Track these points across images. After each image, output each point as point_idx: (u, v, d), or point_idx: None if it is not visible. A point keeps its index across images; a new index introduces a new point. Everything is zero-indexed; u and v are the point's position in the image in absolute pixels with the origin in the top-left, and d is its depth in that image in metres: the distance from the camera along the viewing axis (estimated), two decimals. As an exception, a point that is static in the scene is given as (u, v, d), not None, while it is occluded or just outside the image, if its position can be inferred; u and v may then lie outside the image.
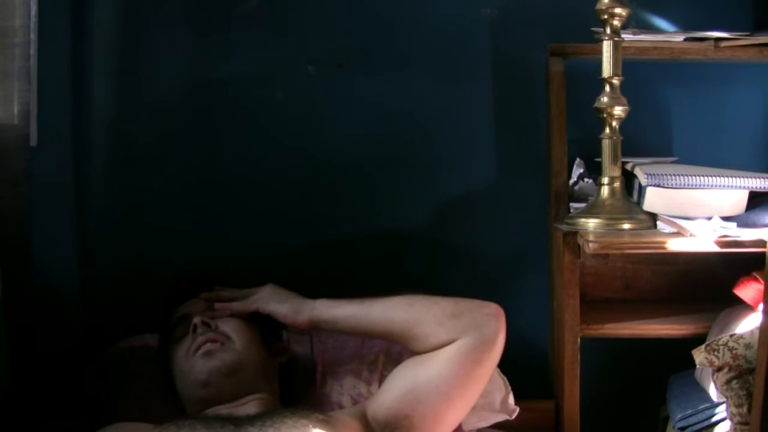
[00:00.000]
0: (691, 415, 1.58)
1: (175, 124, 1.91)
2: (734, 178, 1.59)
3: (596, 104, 1.65)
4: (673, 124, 1.92)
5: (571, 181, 1.79)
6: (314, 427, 1.35)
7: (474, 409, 1.61)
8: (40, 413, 1.54)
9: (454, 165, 1.91)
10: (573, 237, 1.65)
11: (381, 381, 1.58)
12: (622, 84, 1.64)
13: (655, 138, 1.90)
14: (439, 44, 1.90)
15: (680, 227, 1.54)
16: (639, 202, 1.66)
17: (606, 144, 1.64)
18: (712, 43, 1.74)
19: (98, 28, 1.87)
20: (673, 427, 1.61)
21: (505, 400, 1.63)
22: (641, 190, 1.65)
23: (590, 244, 1.53)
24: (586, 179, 1.78)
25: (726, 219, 1.56)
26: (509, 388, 1.64)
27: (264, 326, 1.57)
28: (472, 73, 1.90)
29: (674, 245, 1.52)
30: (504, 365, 1.67)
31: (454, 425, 1.52)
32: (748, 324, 1.54)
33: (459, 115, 1.91)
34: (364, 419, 1.46)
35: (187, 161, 1.91)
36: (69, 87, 1.84)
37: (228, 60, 1.90)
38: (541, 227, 1.85)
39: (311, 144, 1.91)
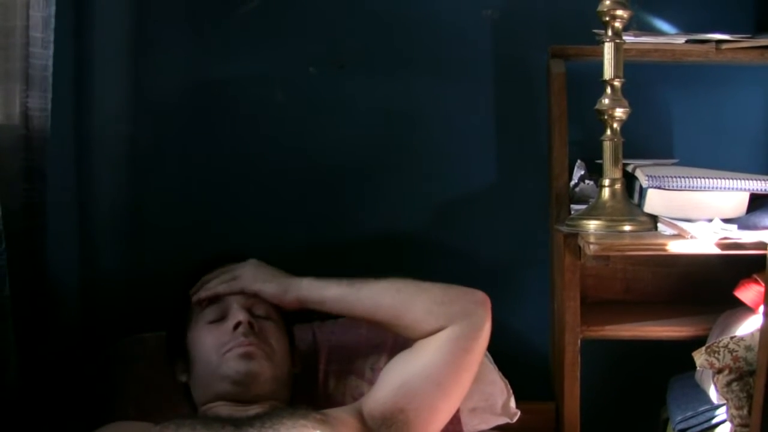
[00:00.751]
0: (691, 417, 1.58)
1: (175, 125, 1.91)
2: (735, 180, 1.59)
3: (597, 106, 1.65)
4: (674, 126, 1.92)
5: (572, 183, 1.79)
6: (313, 427, 1.35)
7: (475, 411, 1.61)
8: (40, 413, 1.54)
9: (455, 166, 1.91)
10: (574, 239, 1.65)
11: None
12: (623, 86, 1.64)
13: (656, 140, 1.90)
14: (440, 46, 1.90)
15: (681, 229, 1.54)
16: (640, 204, 1.66)
17: (607, 146, 1.64)
18: (713, 45, 1.74)
19: (100, 29, 1.87)
20: (674, 429, 1.61)
21: (506, 404, 1.63)
22: (642, 192, 1.65)
23: (591, 246, 1.53)
24: (587, 181, 1.78)
25: (727, 221, 1.56)
26: (511, 391, 1.64)
27: (291, 334, 1.58)
28: (473, 74, 1.91)
29: (675, 247, 1.52)
30: (504, 366, 1.68)
31: (449, 416, 1.52)
32: (748, 326, 1.54)
33: (460, 116, 1.91)
34: (360, 416, 1.47)
35: (187, 162, 1.91)
36: (71, 87, 1.84)
37: (229, 61, 1.90)
38: (541, 229, 1.85)
39: (311, 144, 1.91)
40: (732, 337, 1.50)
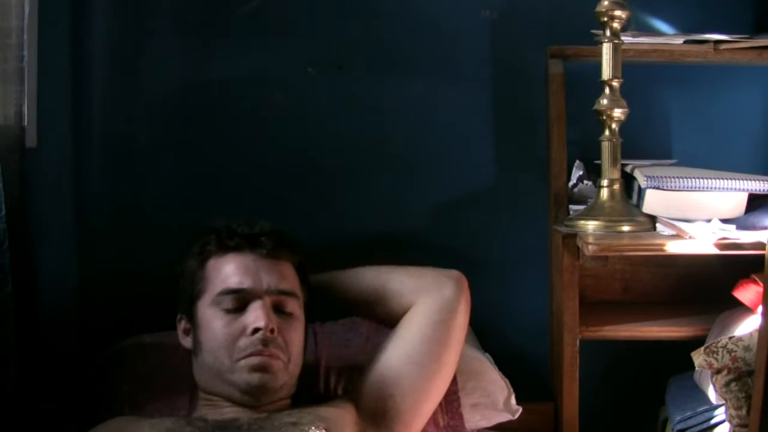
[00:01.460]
0: (690, 417, 1.58)
1: (174, 125, 1.91)
2: (733, 181, 1.59)
3: (596, 106, 1.65)
4: (673, 127, 1.92)
5: (571, 183, 1.79)
6: None
7: (477, 407, 1.62)
8: (38, 412, 1.54)
9: (453, 167, 1.91)
10: (572, 239, 1.65)
11: None
12: (621, 86, 1.64)
13: (655, 140, 1.90)
14: (438, 46, 1.90)
15: (679, 229, 1.54)
16: (638, 205, 1.66)
17: (605, 146, 1.65)
18: (711, 45, 1.74)
19: (98, 29, 1.87)
20: (672, 429, 1.61)
21: (507, 401, 1.63)
22: (640, 193, 1.65)
23: (589, 246, 1.53)
24: (585, 181, 1.78)
25: (725, 221, 1.57)
26: (511, 389, 1.64)
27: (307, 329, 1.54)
28: (472, 75, 1.91)
29: (673, 247, 1.52)
30: (503, 367, 1.68)
31: (438, 395, 1.53)
32: (747, 326, 1.54)
33: (459, 117, 1.91)
34: (354, 412, 1.47)
35: (186, 162, 1.91)
36: (69, 88, 1.84)
37: (227, 61, 1.90)
38: (540, 229, 1.85)
39: (310, 144, 1.91)
40: (731, 338, 1.50)
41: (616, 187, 1.65)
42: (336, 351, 1.65)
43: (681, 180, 1.59)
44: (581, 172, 1.80)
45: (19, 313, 1.42)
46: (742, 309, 1.61)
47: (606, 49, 1.63)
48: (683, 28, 1.84)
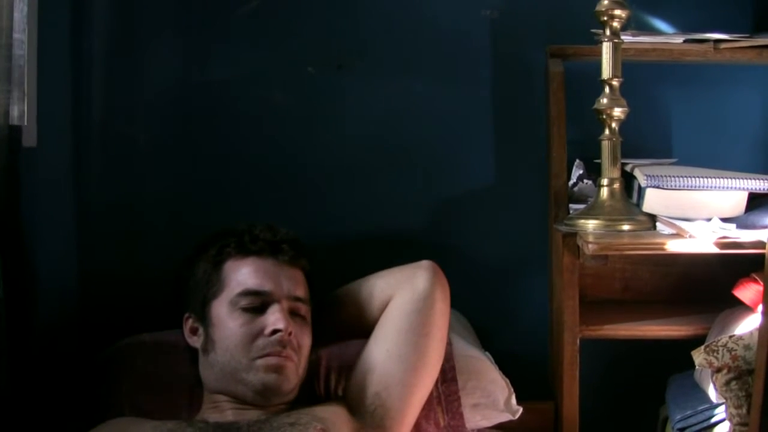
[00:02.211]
0: (690, 416, 1.58)
1: (174, 125, 1.91)
2: (733, 180, 1.59)
3: (596, 106, 1.65)
4: (673, 126, 1.92)
5: (571, 183, 1.79)
6: None
7: (477, 407, 1.62)
8: (37, 414, 1.54)
9: (453, 166, 1.91)
10: (572, 238, 1.65)
11: None
12: (621, 85, 1.64)
13: (655, 139, 1.90)
14: (438, 45, 1.90)
15: (679, 228, 1.54)
16: (638, 204, 1.66)
17: (605, 145, 1.65)
18: (711, 44, 1.74)
19: (98, 29, 1.87)
20: (673, 428, 1.61)
21: (508, 401, 1.63)
22: (641, 192, 1.65)
23: (590, 246, 1.53)
24: (585, 180, 1.79)
25: (725, 220, 1.57)
26: (511, 388, 1.64)
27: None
28: (472, 74, 1.91)
29: (673, 246, 1.52)
30: (503, 366, 1.68)
31: (425, 388, 1.54)
32: (747, 325, 1.54)
33: (458, 116, 1.91)
34: (347, 410, 1.48)
35: (186, 162, 1.91)
36: (69, 88, 1.84)
37: (227, 61, 1.90)
38: (540, 228, 1.85)
39: (310, 145, 1.91)
40: (731, 336, 1.50)
41: (616, 186, 1.65)
42: (336, 351, 1.65)
43: (681, 179, 1.59)
44: (581, 171, 1.80)
45: (14, 316, 1.42)
46: (742, 308, 1.61)
47: (606, 48, 1.63)
48: (683, 27, 1.84)
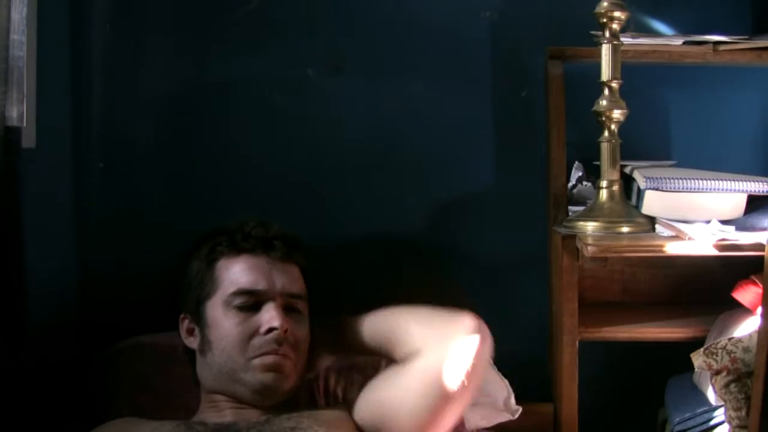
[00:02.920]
0: (689, 419, 1.58)
1: (174, 126, 1.91)
2: (733, 182, 1.59)
3: (595, 107, 1.65)
4: (672, 128, 1.92)
5: (570, 184, 1.79)
6: None
7: (477, 407, 1.62)
8: (36, 414, 1.54)
9: (453, 168, 1.91)
10: (572, 240, 1.65)
11: None
12: (621, 87, 1.64)
13: (654, 141, 1.90)
14: (438, 47, 1.90)
15: (679, 230, 1.54)
16: (638, 206, 1.66)
17: (605, 147, 1.65)
18: (710, 46, 1.74)
19: (98, 29, 1.87)
20: (672, 431, 1.61)
21: (507, 400, 1.64)
22: (640, 194, 1.65)
23: (589, 248, 1.53)
24: (584, 182, 1.79)
25: (724, 222, 1.57)
26: (511, 389, 1.64)
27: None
28: (471, 76, 1.90)
29: (673, 248, 1.52)
30: (503, 367, 1.68)
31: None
32: (746, 327, 1.54)
33: (458, 118, 1.91)
34: (351, 424, 1.47)
35: (185, 162, 1.91)
36: (69, 88, 1.84)
37: (227, 62, 1.90)
38: (539, 230, 1.85)
39: (309, 146, 1.91)
40: (730, 339, 1.50)
41: (616, 188, 1.65)
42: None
43: (680, 181, 1.59)
44: (580, 173, 1.80)
45: (13, 317, 1.42)
46: (741, 310, 1.61)
47: (605, 50, 1.63)
48: (682, 29, 1.84)
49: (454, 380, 1.37)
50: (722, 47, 1.73)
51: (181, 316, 1.53)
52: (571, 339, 1.68)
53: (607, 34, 1.62)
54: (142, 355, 1.63)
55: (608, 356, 1.89)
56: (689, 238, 1.50)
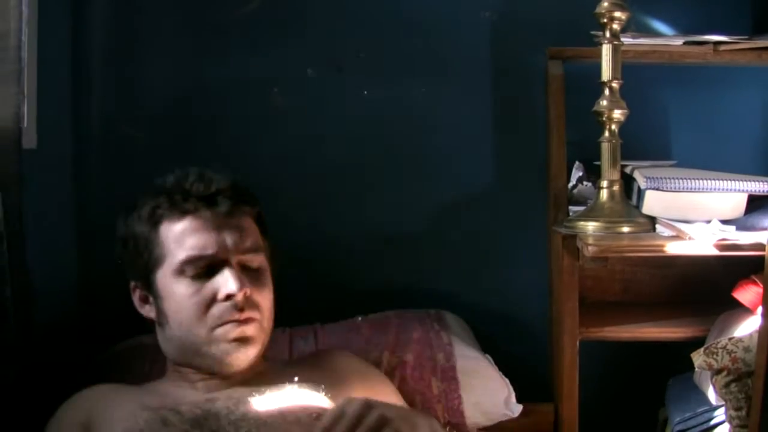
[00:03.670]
0: (690, 418, 1.58)
1: (174, 127, 1.91)
2: (733, 182, 1.59)
3: (595, 108, 1.65)
4: (672, 128, 1.92)
5: (570, 184, 1.79)
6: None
7: (478, 405, 1.62)
8: (36, 415, 1.54)
9: (453, 168, 1.91)
10: (572, 240, 1.65)
11: None
12: (621, 87, 1.64)
13: (654, 141, 1.90)
14: (438, 47, 1.90)
15: (679, 230, 1.54)
16: (638, 205, 1.66)
17: (605, 147, 1.65)
18: (711, 47, 1.74)
19: (98, 29, 1.87)
20: (672, 430, 1.61)
21: (508, 399, 1.63)
22: (640, 193, 1.65)
23: (589, 247, 1.53)
24: (585, 182, 1.79)
25: (725, 222, 1.57)
26: (511, 388, 1.64)
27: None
28: (472, 76, 1.91)
29: (673, 248, 1.52)
30: (503, 367, 1.68)
31: None
32: (746, 327, 1.54)
33: (458, 118, 1.91)
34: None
35: (186, 162, 1.90)
36: (69, 88, 1.84)
37: (227, 63, 1.90)
38: (540, 230, 1.85)
39: (310, 146, 1.91)
40: (730, 338, 1.50)
41: (616, 188, 1.65)
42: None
43: (681, 181, 1.59)
44: (581, 173, 1.80)
45: (18, 315, 1.42)
46: (741, 310, 1.61)
47: (606, 50, 1.63)
48: (683, 29, 1.84)
49: None
50: (722, 47, 1.73)
51: (132, 284, 1.43)
52: (571, 339, 1.68)
53: (608, 34, 1.62)
54: (142, 355, 1.63)
55: (609, 356, 1.89)
56: (690, 238, 1.51)
